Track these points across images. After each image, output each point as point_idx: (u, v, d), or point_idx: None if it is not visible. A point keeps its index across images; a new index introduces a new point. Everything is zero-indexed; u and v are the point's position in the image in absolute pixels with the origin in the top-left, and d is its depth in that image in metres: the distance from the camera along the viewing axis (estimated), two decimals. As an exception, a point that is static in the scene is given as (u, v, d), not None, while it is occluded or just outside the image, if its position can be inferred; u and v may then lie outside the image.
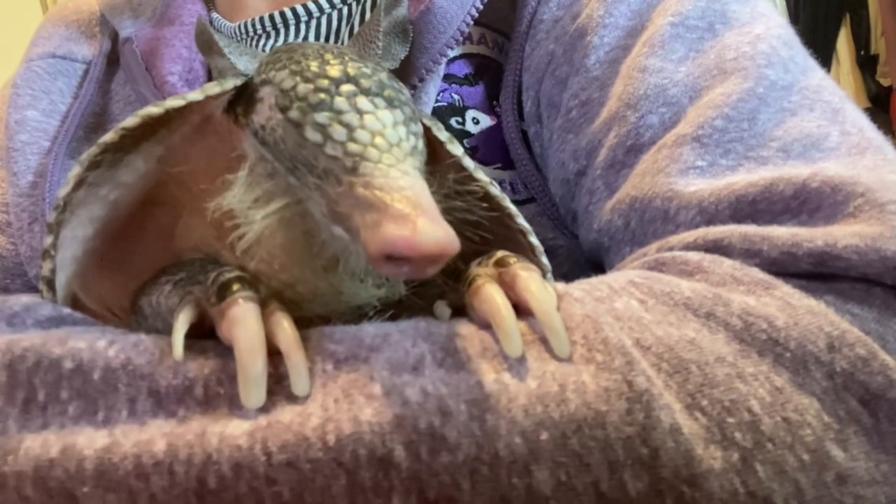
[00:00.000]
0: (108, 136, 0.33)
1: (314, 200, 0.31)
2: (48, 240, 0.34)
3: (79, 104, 0.63)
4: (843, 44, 2.28)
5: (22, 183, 0.60)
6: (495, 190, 0.36)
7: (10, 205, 0.61)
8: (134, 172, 0.36)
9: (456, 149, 0.35)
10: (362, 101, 0.31)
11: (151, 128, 0.34)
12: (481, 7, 0.51)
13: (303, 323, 0.32)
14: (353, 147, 0.30)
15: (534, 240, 0.37)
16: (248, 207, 0.33)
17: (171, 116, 0.34)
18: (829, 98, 0.43)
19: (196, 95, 0.33)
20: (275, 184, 0.33)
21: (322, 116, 0.31)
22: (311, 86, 0.31)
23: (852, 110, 0.43)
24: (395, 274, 0.29)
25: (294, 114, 0.31)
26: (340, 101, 0.31)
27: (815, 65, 0.47)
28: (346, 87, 0.31)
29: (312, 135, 0.31)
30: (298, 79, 0.32)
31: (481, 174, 0.35)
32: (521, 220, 0.37)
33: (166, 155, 0.36)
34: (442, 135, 0.35)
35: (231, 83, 0.34)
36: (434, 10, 0.50)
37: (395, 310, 0.37)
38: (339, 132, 0.30)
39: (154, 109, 0.33)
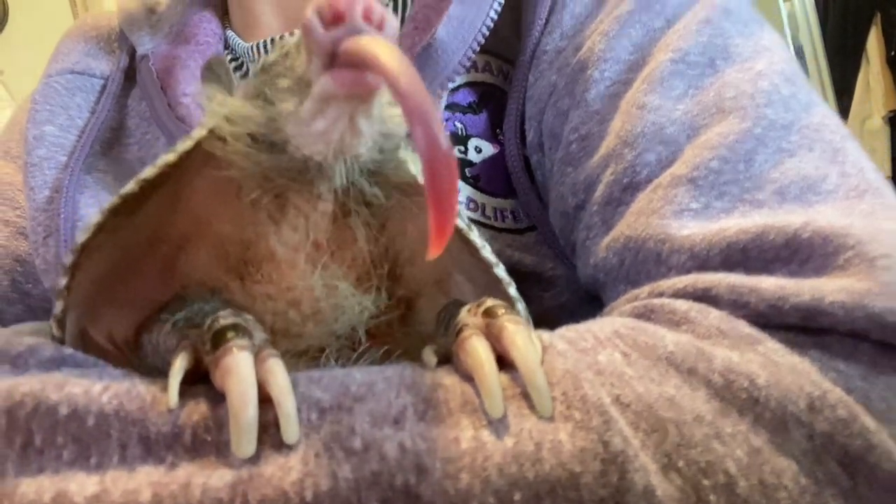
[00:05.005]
0: (129, 188, 0.34)
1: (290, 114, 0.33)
2: (63, 280, 0.35)
3: (95, 119, 0.64)
4: (874, 43, 2.23)
5: (39, 198, 0.61)
6: (474, 235, 0.36)
7: (28, 218, 0.63)
8: (148, 216, 0.37)
9: None
10: None
11: (167, 174, 0.35)
12: (483, 41, 0.51)
13: (299, 354, 0.33)
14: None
15: (512, 291, 0.37)
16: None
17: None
18: (829, 137, 0.43)
19: (199, 132, 0.34)
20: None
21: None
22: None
23: (854, 149, 0.43)
24: (351, 84, 0.30)
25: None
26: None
27: (818, 101, 0.46)
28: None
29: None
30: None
31: (461, 223, 0.36)
32: (500, 271, 0.37)
33: (177, 190, 0.37)
34: (407, 175, 0.35)
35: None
36: (436, 45, 0.50)
37: (388, 346, 0.38)
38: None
39: (170, 157, 0.34)
